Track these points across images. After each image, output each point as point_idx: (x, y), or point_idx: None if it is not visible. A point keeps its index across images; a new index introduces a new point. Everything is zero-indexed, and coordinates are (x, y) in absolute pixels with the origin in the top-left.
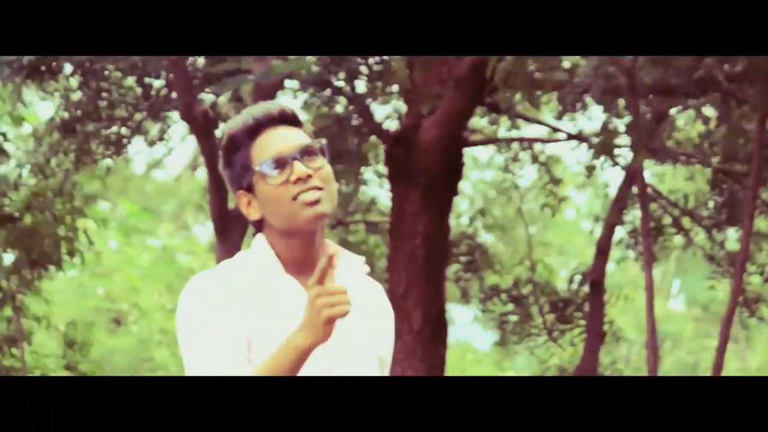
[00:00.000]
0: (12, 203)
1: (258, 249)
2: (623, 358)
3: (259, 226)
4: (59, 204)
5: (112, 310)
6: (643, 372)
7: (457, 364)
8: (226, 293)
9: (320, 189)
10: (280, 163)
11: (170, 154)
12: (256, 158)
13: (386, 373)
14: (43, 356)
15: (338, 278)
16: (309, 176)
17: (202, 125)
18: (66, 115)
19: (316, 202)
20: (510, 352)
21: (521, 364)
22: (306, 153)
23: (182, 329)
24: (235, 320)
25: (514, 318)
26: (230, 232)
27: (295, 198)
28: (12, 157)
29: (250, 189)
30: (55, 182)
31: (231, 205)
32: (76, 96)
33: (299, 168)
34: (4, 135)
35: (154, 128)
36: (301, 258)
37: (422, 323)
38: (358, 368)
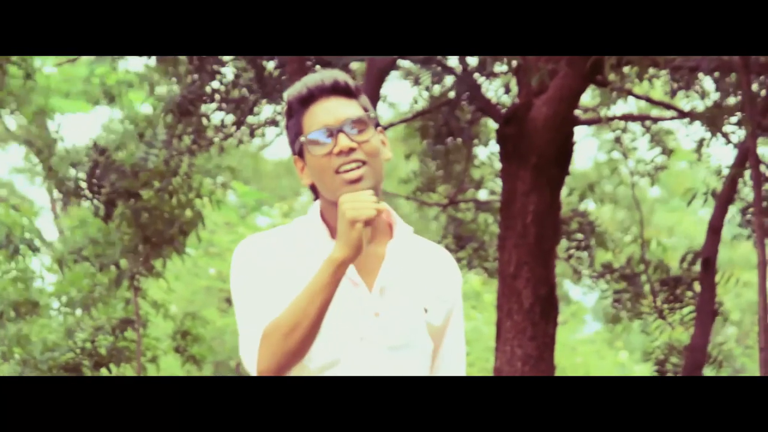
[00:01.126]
0: (133, 183)
1: (310, 215)
2: (734, 337)
3: (315, 192)
4: (176, 183)
5: (224, 290)
6: (755, 352)
7: (566, 343)
8: (271, 256)
9: (364, 163)
10: (327, 135)
11: (283, 134)
12: (306, 127)
13: (445, 342)
14: (154, 339)
15: (392, 246)
16: (352, 149)
17: None
18: (179, 97)
19: (358, 180)
20: (621, 330)
21: (634, 344)
22: (353, 125)
23: (233, 289)
24: (278, 281)
25: (626, 296)
26: None
27: (337, 171)
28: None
29: (302, 155)
30: (174, 163)
31: None
32: (190, 78)
33: (343, 140)
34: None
35: (267, 109)
36: None
37: (532, 302)
38: (403, 338)
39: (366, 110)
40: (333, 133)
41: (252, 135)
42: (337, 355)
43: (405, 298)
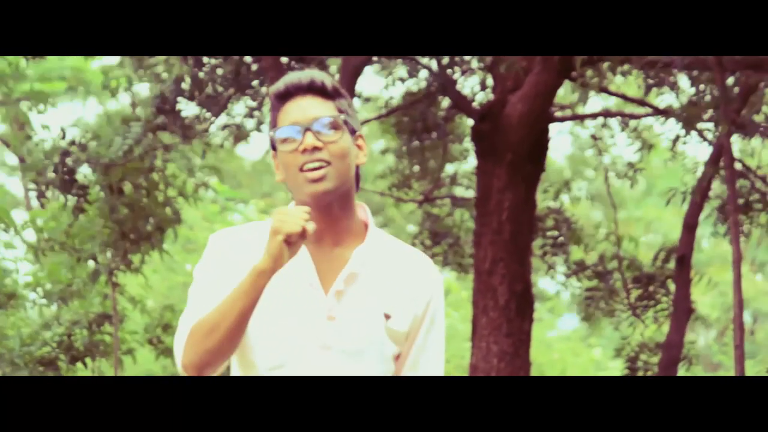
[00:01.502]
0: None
1: None
2: (708, 336)
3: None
4: (154, 179)
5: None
6: (731, 350)
7: (542, 339)
8: (238, 251)
9: (328, 163)
10: (296, 132)
11: (259, 130)
12: (279, 123)
13: (413, 348)
14: (129, 333)
15: (360, 250)
16: (317, 148)
17: None
18: (158, 93)
19: (320, 179)
20: (596, 327)
21: (608, 340)
22: (323, 125)
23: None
24: (233, 278)
25: (598, 294)
26: None
27: (301, 169)
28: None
29: (275, 150)
30: (148, 160)
31: None
32: (169, 76)
33: (308, 139)
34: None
35: (241, 104)
36: (319, 227)
37: (508, 298)
38: (357, 343)
39: (342, 112)
40: (302, 131)
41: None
42: (285, 357)
43: (364, 303)
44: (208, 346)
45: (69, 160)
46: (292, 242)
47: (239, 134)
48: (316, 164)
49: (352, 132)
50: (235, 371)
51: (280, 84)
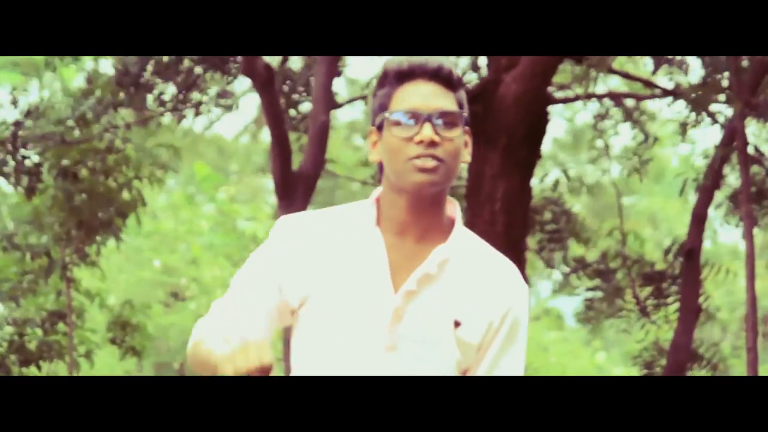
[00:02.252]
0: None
1: (367, 200)
2: (722, 336)
3: (381, 171)
4: (112, 161)
5: (168, 283)
6: (743, 350)
7: (538, 341)
8: (286, 238)
9: (441, 161)
10: (413, 119)
11: (231, 111)
12: (394, 103)
13: (483, 362)
14: (89, 330)
15: (440, 249)
16: (433, 143)
17: (264, 80)
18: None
19: (431, 170)
20: (598, 330)
21: (611, 342)
22: (443, 118)
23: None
24: (273, 267)
25: (599, 294)
26: (294, 196)
27: (410, 159)
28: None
29: (380, 129)
30: (108, 139)
31: (295, 167)
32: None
33: (427, 131)
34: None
35: (214, 83)
36: (404, 218)
37: None
38: (420, 348)
39: (461, 106)
40: (420, 119)
41: (198, 113)
42: (347, 355)
43: (435, 307)
44: (194, 353)
45: (22, 133)
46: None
47: (210, 116)
48: (430, 161)
49: (465, 124)
50: (295, 361)
51: (403, 62)
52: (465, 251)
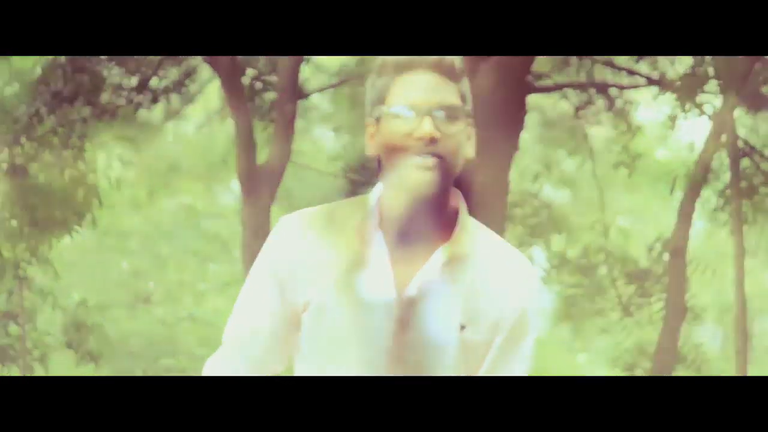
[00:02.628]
0: (16, 155)
1: (369, 198)
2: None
3: (379, 166)
4: (67, 156)
5: (131, 286)
6: (732, 353)
7: None
8: (295, 248)
9: (440, 158)
10: (413, 114)
11: (192, 102)
12: (392, 95)
13: (487, 360)
14: (44, 334)
15: (448, 249)
16: (434, 139)
17: (228, 68)
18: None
19: (431, 168)
20: (580, 330)
21: (592, 343)
22: (444, 112)
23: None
24: (275, 276)
25: (580, 291)
26: (259, 192)
27: (409, 156)
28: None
29: (378, 121)
30: (62, 133)
31: (260, 161)
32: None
33: (426, 126)
34: None
35: (173, 71)
36: (405, 218)
37: None
38: (424, 357)
39: (464, 100)
40: (419, 113)
41: (155, 101)
42: (352, 364)
43: (439, 311)
44: None
45: None
46: None
47: (170, 107)
48: (430, 159)
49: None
50: (299, 369)
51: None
52: (471, 247)
